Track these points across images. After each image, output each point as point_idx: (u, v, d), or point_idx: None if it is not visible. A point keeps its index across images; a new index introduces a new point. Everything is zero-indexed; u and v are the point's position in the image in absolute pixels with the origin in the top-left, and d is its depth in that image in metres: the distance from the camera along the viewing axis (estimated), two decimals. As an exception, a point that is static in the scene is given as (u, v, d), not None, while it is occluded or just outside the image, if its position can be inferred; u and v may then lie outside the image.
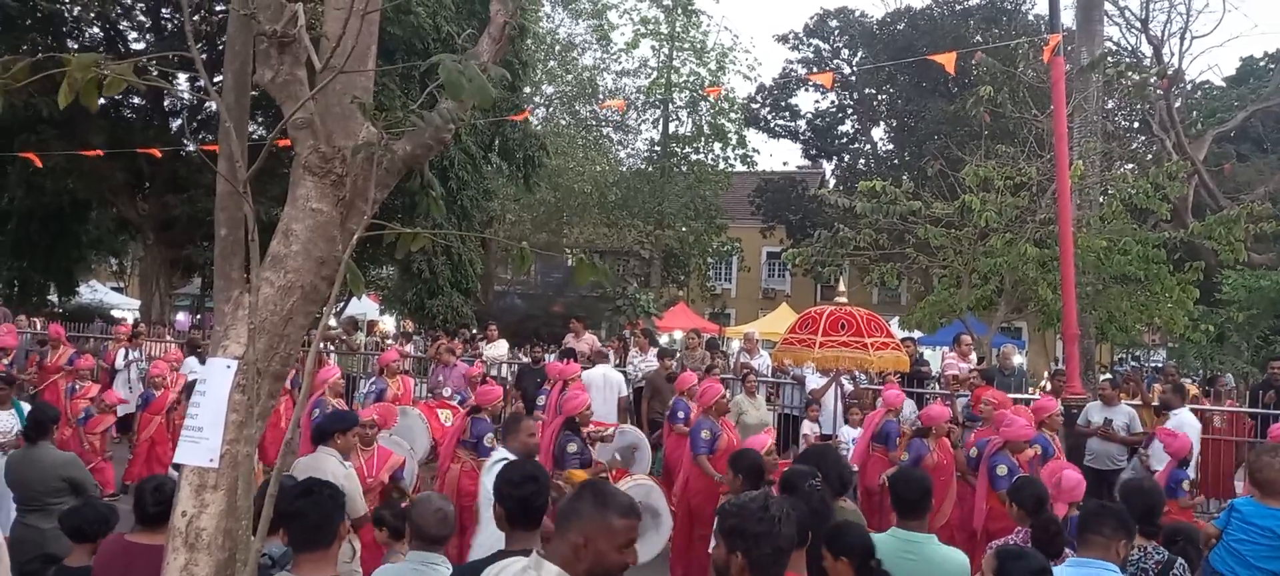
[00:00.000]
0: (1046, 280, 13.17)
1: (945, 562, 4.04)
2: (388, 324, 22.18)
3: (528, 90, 24.43)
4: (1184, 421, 8.40)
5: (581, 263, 2.87)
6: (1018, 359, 16.36)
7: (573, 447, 6.91)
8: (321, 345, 14.67)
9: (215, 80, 2.79)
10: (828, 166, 36.40)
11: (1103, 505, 3.73)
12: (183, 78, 15.86)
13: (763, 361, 14.13)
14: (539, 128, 24.47)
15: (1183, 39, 26.19)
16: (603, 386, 10.77)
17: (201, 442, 2.65)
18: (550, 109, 30.06)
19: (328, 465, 4.97)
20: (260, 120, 15.15)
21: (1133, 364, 21.37)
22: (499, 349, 14.96)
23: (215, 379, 2.67)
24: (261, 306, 2.65)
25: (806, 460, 4.94)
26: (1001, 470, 6.52)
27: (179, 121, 19.05)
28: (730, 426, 7.83)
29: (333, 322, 20.14)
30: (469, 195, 17.19)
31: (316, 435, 5.49)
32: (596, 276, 2.87)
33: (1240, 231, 14.00)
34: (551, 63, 29.45)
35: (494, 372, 13.58)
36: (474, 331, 18.19)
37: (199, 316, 24.25)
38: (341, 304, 20.96)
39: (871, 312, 8.81)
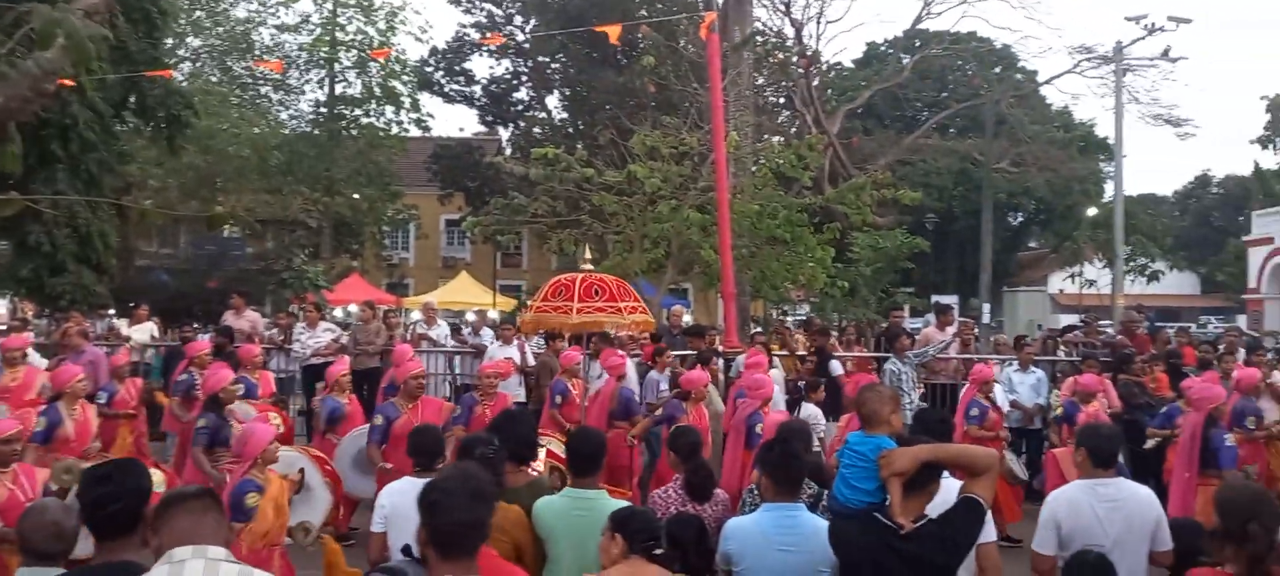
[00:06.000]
0: (708, 243, 14.05)
1: (618, 516, 4.14)
2: None
3: (170, 42, 21.95)
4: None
5: (217, 213, 2.59)
6: (687, 318, 17.41)
7: (203, 422, 6.64)
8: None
9: None
10: (504, 133, 36.45)
11: (786, 453, 4.01)
12: None
13: (442, 331, 13.89)
14: (184, 84, 22.04)
15: (820, 23, 29.02)
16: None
17: None
18: (197, 64, 27.24)
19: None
20: None
21: (780, 318, 23.54)
22: (143, 331, 13.42)
23: None
24: None
25: (494, 426, 4.89)
26: (759, 428, 6.70)
27: None
28: (415, 411, 7.55)
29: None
30: (97, 158, 15.05)
31: None
32: (228, 221, 2.60)
33: (867, 197, 15.79)
34: (197, 13, 26.65)
35: (137, 358, 12.16)
36: (113, 312, 16.18)
37: None
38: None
39: (619, 278, 8.94)
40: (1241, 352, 11.30)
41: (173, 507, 2.65)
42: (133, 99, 16.54)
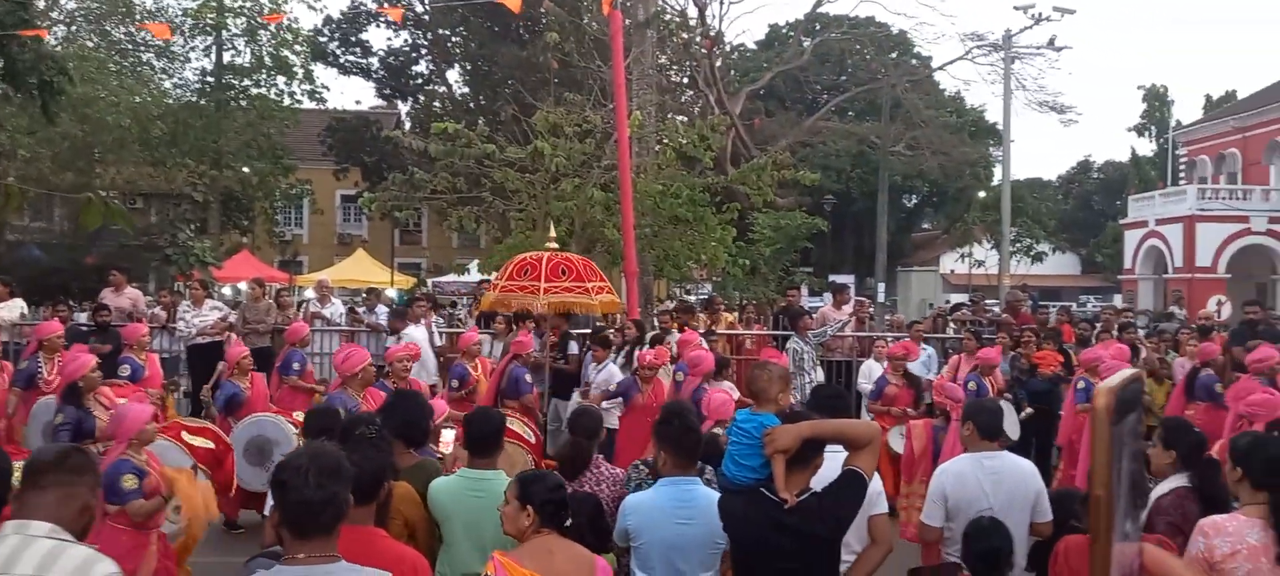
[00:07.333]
0: (611, 222, 14.02)
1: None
2: None
3: (42, 4, 20.63)
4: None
5: (90, 204, 2.43)
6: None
7: (61, 419, 6.01)
8: None
9: None
10: (403, 107, 35.66)
11: (684, 427, 4.02)
12: None
13: (336, 310, 13.48)
14: (58, 49, 20.75)
15: (722, 3, 29.26)
16: None
17: None
18: (73, 27, 25.66)
19: None
20: None
21: (685, 297, 23.72)
22: (12, 310, 12.61)
23: None
24: None
25: (385, 408, 4.74)
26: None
27: None
28: (366, 403, 7.28)
29: None
30: (-40, 125, 14.14)
31: None
32: (112, 218, 2.44)
33: (767, 178, 15.99)
34: (73, -28, 25.12)
35: (5, 337, 11.45)
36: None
37: None
38: None
39: (585, 258, 8.75)
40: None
41: (26, 481, 2.58)
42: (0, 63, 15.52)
